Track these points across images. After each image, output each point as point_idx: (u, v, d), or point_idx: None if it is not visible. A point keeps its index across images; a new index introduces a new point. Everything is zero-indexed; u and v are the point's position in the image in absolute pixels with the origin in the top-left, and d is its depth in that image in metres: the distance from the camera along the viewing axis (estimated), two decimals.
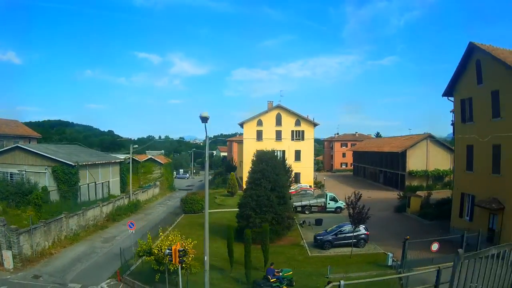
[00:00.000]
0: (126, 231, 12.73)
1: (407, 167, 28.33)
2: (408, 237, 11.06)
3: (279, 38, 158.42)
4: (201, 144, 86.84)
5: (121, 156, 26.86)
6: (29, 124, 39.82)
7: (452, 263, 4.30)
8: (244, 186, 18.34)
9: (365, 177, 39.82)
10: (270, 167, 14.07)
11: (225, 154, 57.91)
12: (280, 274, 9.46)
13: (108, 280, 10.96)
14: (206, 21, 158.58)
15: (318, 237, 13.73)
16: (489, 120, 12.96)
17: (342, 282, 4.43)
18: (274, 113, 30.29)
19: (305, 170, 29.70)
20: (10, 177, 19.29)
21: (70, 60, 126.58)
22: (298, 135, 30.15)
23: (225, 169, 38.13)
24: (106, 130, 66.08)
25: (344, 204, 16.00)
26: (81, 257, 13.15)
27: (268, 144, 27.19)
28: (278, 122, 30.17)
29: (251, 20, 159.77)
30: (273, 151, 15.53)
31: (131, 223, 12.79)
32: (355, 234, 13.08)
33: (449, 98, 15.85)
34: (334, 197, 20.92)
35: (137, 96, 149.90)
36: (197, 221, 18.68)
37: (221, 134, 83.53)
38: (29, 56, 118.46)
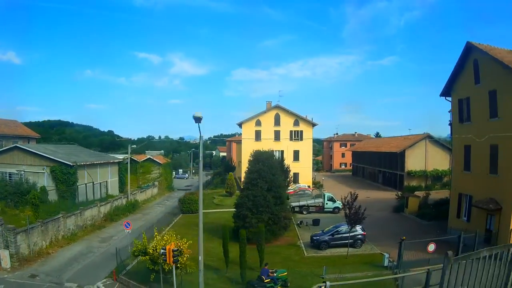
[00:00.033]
0: (123, 231, 12.78)
1: (406, 167, 28.32)
2: (404, 237, 11.03)
3: (279, 38, 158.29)
4: None
5: (120, 156, 26.93)
6: (29, 124, 40.00)
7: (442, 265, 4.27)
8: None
9: (364, 177, 39.79)
10: (267, 167, 14.07)
11: (225, 154, 57.99)
12: (275, 274, 9.44)
13: (104, 280, 11.00)
14: (206, 21, 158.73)
15: (315, 238, 13.72)
16: (486, 120, 12.93)
17: (328, 283, 4.42)
18: (272, 113, 30.30)
19: (303, 170, 29.69)
20: (9, 177, 19.39)
21: (70, 60, 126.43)
22: (296, 135, 30.15)
23: (224, 169, 38.15)
24: (106, 130, 66.31)
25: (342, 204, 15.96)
26: (78, 257, 13.19)
27: (267, 144, 27.26)
28: (277, 122, 30.18)
29: (251, 20, 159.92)
30: (269, 151, 15.52)
31: (127, 223, 12.81)
32: (351, 234, 13.07)
33: (447, 98, 15.82)
34: (332, 197, 20.89)
35: (137, 96, 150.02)
36: (194, 221, 18.62)
37: (221, 134, 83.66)
38: (29, 56, 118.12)
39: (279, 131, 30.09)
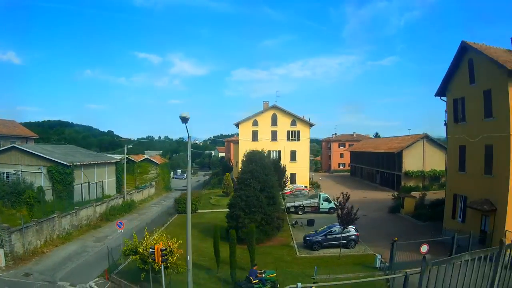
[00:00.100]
0: (121, 231, 12.82)
1: (403, 168, 28.22)
2: (396, 238, 10.98)
3: (279, 38, 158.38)
4: (201, 144, 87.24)
5: (118, 157, 27.03)
6: (29, 125, 40.30)
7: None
8: None
9: (362, 178, 39.69)
10: (260, 168, 14.06)
11: (223, 154, 58.06)
12: (263, 275, 9.40)
13: (97, 279, 11.05)
14: (206, 21, 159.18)
15: (308, 238, 13.67)
16: (481, 120, 12.84)
17: (299, 284, 4.41)
18: (269, 114, 30.31)
19: (301, 171, 29.66)
20: (6, 177, 19.53)
21: (70, 60, 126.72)
22: (293, 136, 30.12)
23: (222, 169, 38.21)
24: (106, 130, 66.64)
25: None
26: (72, 256, 13.26)
27: (264, 144, 27.27)
28: (274, 122, 30.17)
29: (251, 20, 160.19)
30: (263, 152, 15.50)
31: (119, 222, 12.88)
32: (345, 235, 13.02)
33: (442, 98, 15.74)
34: (328, 197, 20.82)
35: (137, 96, 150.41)
36: None
37: (221, 135, 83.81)
38: (29, 56, 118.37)
39: (276, 131, 30.07)
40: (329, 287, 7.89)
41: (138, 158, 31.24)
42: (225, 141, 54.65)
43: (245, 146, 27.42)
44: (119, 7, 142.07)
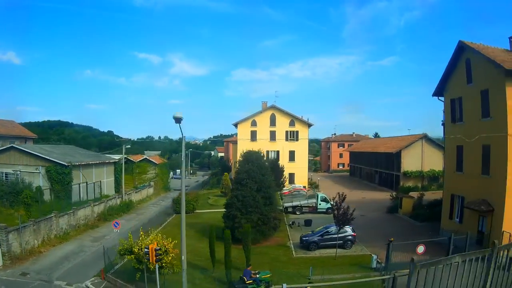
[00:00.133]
0: (118, 231, 12.87)
1: (402, 168, 28.19)
2: (392, 239, 10.95)
3: (279, 38, 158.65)
4: (200, 144, 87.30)
5: (116, 157, 27.10)
6: (29, 125, 40.42)
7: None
8: None
9: (361, 178, 39.62)
10: (256, 168, 14.05)
11: (223, 154, 58.10)
12: (257, 276, 9.38)
13: (93, 278, 11.08)
14: (206, 21, 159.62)
15: (304, 238, 13.65)
16: (478, 120, 12.80)
17: (284, 285, 4.41)
18: (268, 114, 30.31)
19: (299, 171, 29.65)
20: (5, 177, 19.62)
21: (70, 60, 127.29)
22: (292, 136, 30.11)
23: (221, 169, 38.25)
24: (106, 130, 66.78)
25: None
26: (69, 256, 13.28)
27: (263, 144, 27.24)
28: (272, 122, 30.18)
29: (251, 20, 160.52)
30: (259, 152, 15.48)
31: (116, 222, 12.90)
32: (341, 235, 12.99)
33: (439, 98, 15.70)
34: (326, 197, 20.79)
35: (137, 96, 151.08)
36: (187, 221, 18.22)
37: (221, 135, 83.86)
38: (29, 56, 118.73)
39: (275, 131, 30.09)
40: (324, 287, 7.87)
41: (136, 158, 31.29)
42: (225, 141, 54.74)
43: (244, 146, 27.38)
44: (119, 7, 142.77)
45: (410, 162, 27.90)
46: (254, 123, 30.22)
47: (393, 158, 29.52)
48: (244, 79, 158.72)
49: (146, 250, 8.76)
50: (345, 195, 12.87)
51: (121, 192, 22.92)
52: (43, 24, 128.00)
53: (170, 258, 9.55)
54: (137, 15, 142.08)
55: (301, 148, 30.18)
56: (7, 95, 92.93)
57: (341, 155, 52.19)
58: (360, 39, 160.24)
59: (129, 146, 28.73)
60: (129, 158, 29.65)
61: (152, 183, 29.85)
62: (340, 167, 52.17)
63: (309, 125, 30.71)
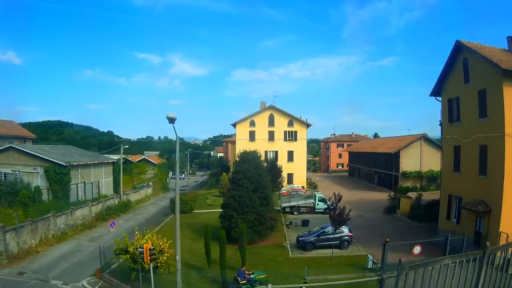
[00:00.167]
0: (113, 231, 12.92)
1: (401, 168, 28.13)
2: (388, 239, 10.92)
3: (279, 39, 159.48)
4: (200, 144, 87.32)
5: (115, 157, 27.17)
6: (29, 125, 40.53)
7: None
8: None
9: (360, 178, 39.54)
10: (253, 168, 14.05)
11: (222, 154, 58.13)
12: (252, 276, 9.38)
13: (89, 278, 11.11)
14: (206, 21, 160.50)
15: (301, 239, 13.63)
16: (476, 120, 12.75)
17: (269, 285, 4.38)
18: (266, 114, 30.29)
19: (298, 171, 29.61)
20: (4, 177, 19.70)
21: (70, 60, 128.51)
22: (290, 136, 30.09)
23: (221, 169, 38.28)
24: (105, 130, 66.90)
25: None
26: (66, 255, 13.32)
27: (261, 144, 27.29)
28: (271, 122, 30.16)
29: (251, 20, 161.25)
30: (256, 152, 15.48)
31: (112, 222, 12.94)
32: (338, 235, 12.97)
33: (437, 98, 15.66)
34: (323, 198, 20.75)
35: (137, 96, 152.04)
36: (185, 221, 18.71)
37: (220, 135, 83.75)
38: (29, 56, 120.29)
39: (273, 131, 30.07)
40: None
41: (135, 158, 31.39)
42: (224, 141, 54.82)
43: (242, 146, 27.39)
44: (119, 7, 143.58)
45: (409, 162, 27.84)
46: (252, 123, 30.21)
47: (392, 158, 29.48)
48: (244, 79, 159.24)
49: (140, 249, 8.77)
50: (341, 195, 12.84)
51: (119, 192, 22.96)
52: (43, 24, 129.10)
53: (165, 258, 9.56)
54: (137, 15, 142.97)
55: (300, 148, 30.15)
56: (7, 95, 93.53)
57: (340, 155, 52.12)
58: (360, 39, 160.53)
59: (127, 146, 28.73)
60: (127, 158, 29.73)
61: (150, 183, 29.92)
62: (339, 167, 52.10)
63: (308, 125, 30.68)
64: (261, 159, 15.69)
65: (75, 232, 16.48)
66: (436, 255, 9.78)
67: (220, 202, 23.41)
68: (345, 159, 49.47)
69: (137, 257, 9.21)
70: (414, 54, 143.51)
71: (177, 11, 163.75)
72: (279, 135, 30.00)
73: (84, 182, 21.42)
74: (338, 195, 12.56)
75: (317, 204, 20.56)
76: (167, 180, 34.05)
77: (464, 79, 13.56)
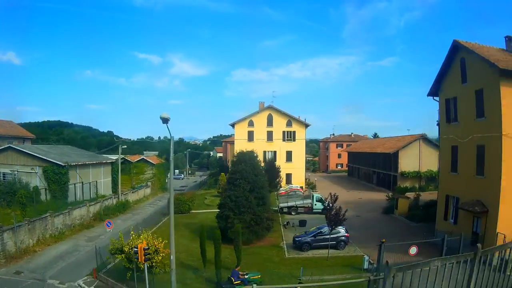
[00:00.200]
0: (110, 231, 12.95)
1: (399, 168, 28.08)
2: (384, 240, 10.88)
3: (279, 39, 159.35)
4: (200, 144, 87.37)
5: (114, 157, 27.23)
6: (28, 125, 40.68)
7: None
8: None
9: (359, 178, 39.47)
10: (249, 168, 14.04)
11: (221, 154, 58.18)
12: (246, 277, 9.37)
13: (86, 277, 11.14)
14: (206, 22, 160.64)
15: (297, 239, 13.61)
16: (473, 120, 12.70)
17: (254, 285, 4.38)
18: (265, 114, 30.29)
19: (296, 171, 29.59)
20: (3, 177, 19.79)
21: (70, 60, 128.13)
22: (289, 136, 30.07)
23: (220, 169, 38.28)
24: (105, 130, 67.06)
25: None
26: (63, 255, 13.35)
27: (260, 145, 27.28)
28: (270, 123, 30.15)
29: (251, 20, 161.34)
30: (253, 152, 15.48)
31: (108, 222, 12.97)
32: (335, 236, 12.95)
33: (434, 98, 15.61)
34: (321, 198, 20.73)
35: (137, 96, 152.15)
36: (182, 221, 18.79)
37: (220, 135, 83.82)
38: (29, 56, 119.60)
39: (272, 131, 30.05)
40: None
41: (134, 158, 31.41)
42: (223, 141, 54.89)
43: (241, 146, 27.34)
44: (119, 7, 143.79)
45: (408, 162, 27.79)
46: (251, 123, 30.21)
47: (391, 159, 29.44)
48: (244, 79, 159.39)
49: (135, 249, 8.79)
50: (337, 195, 12.82)
51: (118, 192, 23.02)
52: (43, 24, 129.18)
53: (160, 257, 9.57)
54: (137, 15, 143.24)
55: (298, 149, 30.13)
56: (7, 95, 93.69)
57: (339, 156, 52.06)
58: (360, 39, 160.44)
59: (125, 146, 28.77)
60: (126, 158, 29.76)
61: (149, 183, 29.93)
62: (339, 167, 52.05)
63: (306, 125, 30.65)
64: (258, 159, 15.61)
65: (72, 232, 16.51)
66: (433, 255, 9.72)
67: (218, 202, 23.64)
68: (344, 159, 49.39)
69: (132, 256, 9.23)
70: (414, 54, 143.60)
71: (177, 11, 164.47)
72: (277, 135, 30.00)
73: (82, 182, 21.47)
74: (334, 195, 12.53)
75: (315, 205, 20.53)
76: (166, 180, 34.08)
77: (461, 79, 13.52)
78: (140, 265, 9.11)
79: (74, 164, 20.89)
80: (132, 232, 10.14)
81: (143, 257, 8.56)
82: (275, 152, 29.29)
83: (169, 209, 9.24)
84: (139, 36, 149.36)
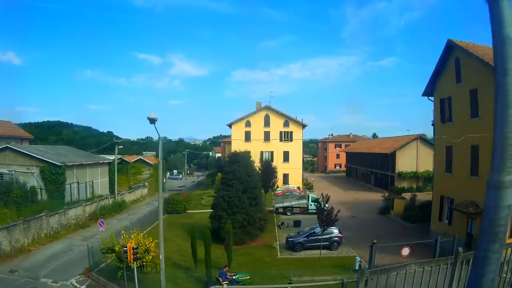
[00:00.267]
0: (106, 230, 12.99)
1: (397, 169, 27.92)
2: (375, 241, 10.84)
3: (279, 39, 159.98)
4: (200, 145, 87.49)
5: (112, 157, 27.36)
6: (28, 125, 40.96)
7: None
8: None
9: (357, 179, 39.31)
10: (242, 168, 14.07)
11: (220, 155, 58.21)
12: (234, 277, 9.38)
13: (78, 276, 11.20)
14: (206, 22, 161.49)
15: (290, 239, 13.59)
16: (467, 120, 12.64)
17: (224, 285, 4.32)
18: (262, 114, 30.29)
19: (293, 171, 29.56)
20: (1, 177, 19.95)
21: (70, 61, 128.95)
22: (286, 136, 30.05)
23: (217, 170, 38.30)
24: (105, 131, 67.21)
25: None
26: (58, 254, 13.40)
27: (257, 145, 27.29)
28: (267, 123, 30.15)
29: (251, 20, 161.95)
30: (246, 152, 15.50)
31: (101, 221, 13.02)
32: (328, 236, 12.92)
33: (429, 97, 15.55)
34: (317, 198, 20.65)
35: (137, 96, 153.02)
36: (177, 221, 18.85)
37: (220, 135, 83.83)
38: (29, 56, 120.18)
39: (269, 132, 30.03)
40: None
41: (131, 158, 31.52)
42: (221, 142, 54.88)
43: (238, 146, 27.39)
44: (119, 7, 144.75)
45: (405, 162, 27.64)
46: (248, 124, 30.22)
47: (388, 159, 29.29)
48: (244, 79, 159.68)
49: (124, 248, 8.83)
50: (329, 196, 12.80)
51: (114, 192, 23.12)
52: (43, 24, 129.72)
53: (151, 257, 9.60)
54: (137, 15, 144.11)
55: (296, 149, 30.10)
56: (7, 96, 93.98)
57: (338, 156, 51.91)
58: (360, 39, 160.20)
59: (121, 146, 28.90)
60: (124, 158, 29.89)
61: (146, 183, 30.02)
62: (337, 167, 51.92)
63: (304, 126, 30.59)
64: (253, 159, 15.63)
65: (68, 232, 16.57)
66: (426, 257, 9.67)
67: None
68: (343, 159, 49.22)
69: (123, 256, 9.28)
70: (414, 55, 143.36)
71: (177, 11, 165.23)
72: (274, 136, 29.96)
73: (78, 182, 21.58)
74: (326, 195, 12.51)
75: (310, 205, 20.47)
76: (164, 180, 34.17)
77: (456, 78, 13.46)
78: (130, 264, 9.15)
79: (71, 164, 21.00)
80: (123, 232, 10.19)
81: (132, 257, 8.59)
82: (272, 152, 29.29)
83: (158, 210, 9.27)
84: (139, 36, 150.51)
